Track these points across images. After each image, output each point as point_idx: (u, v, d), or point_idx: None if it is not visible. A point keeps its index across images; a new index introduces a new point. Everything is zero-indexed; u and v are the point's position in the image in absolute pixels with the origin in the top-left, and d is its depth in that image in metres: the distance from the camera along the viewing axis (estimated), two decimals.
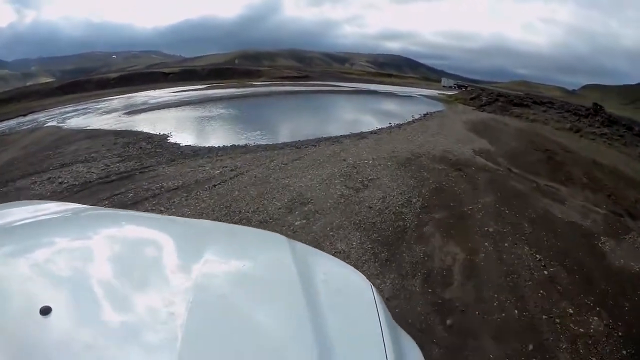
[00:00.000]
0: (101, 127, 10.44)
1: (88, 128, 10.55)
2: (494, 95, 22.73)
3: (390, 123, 11.94)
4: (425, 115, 15.06)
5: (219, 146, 7.67)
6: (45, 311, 0.63)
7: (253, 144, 7.95)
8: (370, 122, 12.66)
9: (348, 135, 9.33)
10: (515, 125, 13.93)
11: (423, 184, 5.55)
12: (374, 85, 39.66)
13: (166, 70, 47.42)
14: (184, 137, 8.67)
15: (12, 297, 0.69)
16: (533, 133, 12.32)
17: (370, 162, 6.53)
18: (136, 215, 1.87)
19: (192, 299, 0.72)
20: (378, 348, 0.70)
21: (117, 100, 19.27)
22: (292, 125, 12.17)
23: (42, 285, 0.75)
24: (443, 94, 30.25)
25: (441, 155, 7.37)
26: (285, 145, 7.88)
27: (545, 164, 7.99)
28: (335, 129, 10.37)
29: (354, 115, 15.70)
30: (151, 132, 9.24)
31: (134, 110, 14.50)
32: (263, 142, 8.19)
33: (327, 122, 12.92)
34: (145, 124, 10.91)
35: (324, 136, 9.02)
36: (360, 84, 38.64)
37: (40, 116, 16.25)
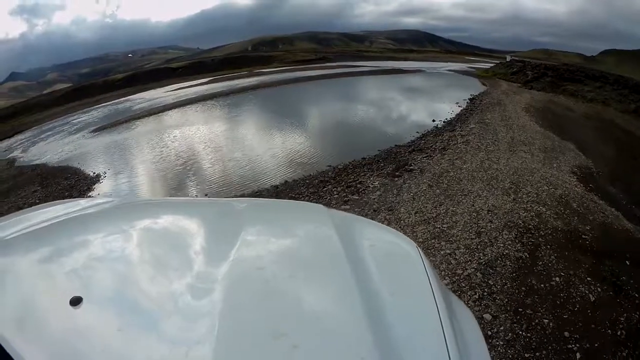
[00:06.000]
0: (44, 162, 8.67)
1: (30, 164, 8.87)
2: (541, 68, 19.15)
3: (434, 120, 8.63)
4: (472, 100, 11.58)
5: None
6: (76, 302, 0.60)
7: None
8: (405, 124, 9.29)
9: (374, 160, 5.83)
10: (579, 110, 11.51)
11: None
12: (396, 62, 35.38)
13: (174, 65, 45.23)
14: (111, 181, 6.66)
15: (44, 289, 0.68)
16: (606, 123, 9.98)
17: None
18: (171, 201, 1.67)
19: (231, 281, 0.68)
20: (432, 312, 0.65)
21: (102, 110, 17.13)
22: (279, 150, 7.35)
23: (73, 277, 0.72)
24: (473, 67, 26.69)
25: (565, 225, 3.49)
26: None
27: None
28: (349, 147, 7.02)
29: (379, 110, 11.70)
30: (87, 170, 7.30)
31: (104, 126, 12.14)
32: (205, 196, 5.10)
33: (337, 131, 9.08)
34: (96, 152, 9.04)
35: (328, 174, 5.42)
36: (382, 62, 34.48)
37: (18, 139, 14.58)
